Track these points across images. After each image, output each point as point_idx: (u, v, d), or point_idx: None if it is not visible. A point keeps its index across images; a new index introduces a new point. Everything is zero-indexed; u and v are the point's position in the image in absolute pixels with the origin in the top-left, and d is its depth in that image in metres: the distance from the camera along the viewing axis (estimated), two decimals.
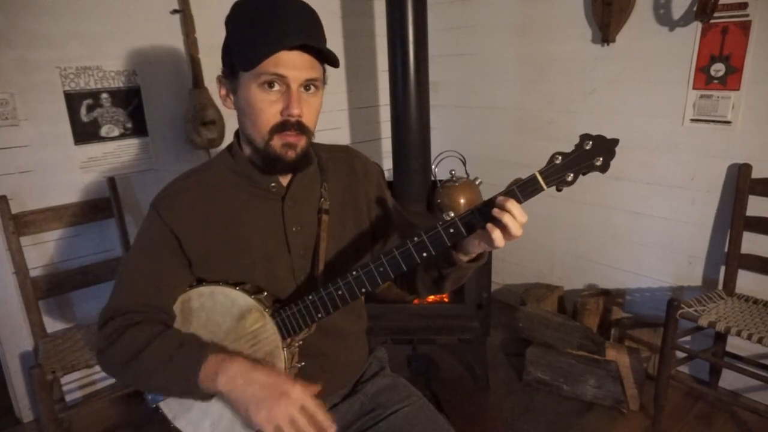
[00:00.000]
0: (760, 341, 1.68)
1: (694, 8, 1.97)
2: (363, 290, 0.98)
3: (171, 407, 1.08)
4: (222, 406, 1.05)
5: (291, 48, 0.91)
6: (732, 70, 1.99)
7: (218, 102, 2.27)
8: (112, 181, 2.15)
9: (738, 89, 1.98)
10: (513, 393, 2.29)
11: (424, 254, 0.92)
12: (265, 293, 1.06)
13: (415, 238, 0.92)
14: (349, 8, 2.86)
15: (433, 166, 2.35)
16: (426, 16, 2.22)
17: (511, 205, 0.84)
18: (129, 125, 2.25)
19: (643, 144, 2.30)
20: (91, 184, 2.18)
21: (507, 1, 2.65)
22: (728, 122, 2.04)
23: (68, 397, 2.22)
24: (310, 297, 1.00)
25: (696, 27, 2.05)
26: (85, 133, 2.14)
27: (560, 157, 0.85)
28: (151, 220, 1.05)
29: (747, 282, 2.07)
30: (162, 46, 2.27)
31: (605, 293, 2.49)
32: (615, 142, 0.85)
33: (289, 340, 1.03)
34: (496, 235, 0.86)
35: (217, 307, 1.03)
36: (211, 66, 2.31)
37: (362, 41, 2.96)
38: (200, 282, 1.07)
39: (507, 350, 2.59)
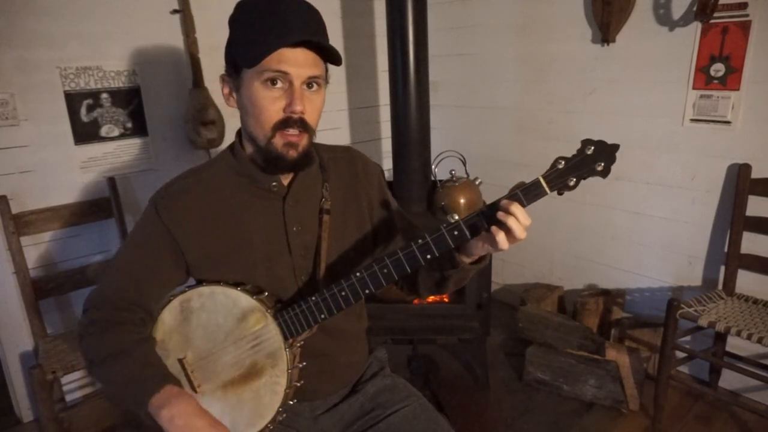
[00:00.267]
0: (760, 341, 1.68)
1: (694, 8, 1.97)
2: (366, 292, 0.98)
3: None
4: (221, 408, 1.05)
5: (294, 45, 0.91)
6: (732, 70, 1.99)
7: (218, 102, 2.27)
8: (112, 181, 2.16)
9: (738, 89, 1.99)
10: (513, 393, 2.29)
11: (428, 256, 0.93)
12: (267, 294, 1.06)
13: (420, 240, 0.92)
14: (349, 8, 2.86)
15: (433, 166, 2.35)
16: (426, 16, 2.22)
17: (516, 208, 0.85)
18: (129, 125, 2.24)
19: (643, 144, 2.30)
20: (91, 184, 2.18)
21: (507, 1, 2.65)
22: (728, 122, 2.04)
23: (68, 397, 2.22)
24: (313, 298, 1.00)
25: (696, 27, 2.05)
26: (85, 133, 2.14)
27: (563, 162, 0.86)
28: (148, 217, 1.06)
29: (747, 282, 2.07)
30: (162, 46, 2.27)
31: (605, 293, 2.49)
32: (616, 147, 0.86)
33: (291, 340, 1.03)
34: (500, 237, 0.86)
35: (218, 308, 1.03)
36: (211, 66, 2.30)
37: (362, 41, 2.96)
38: (200, 282, 1.07)
39: (507, 350, 2.59)
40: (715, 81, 2.04)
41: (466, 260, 0.97)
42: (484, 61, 2.84)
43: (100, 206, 2.15)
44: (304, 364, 1.07)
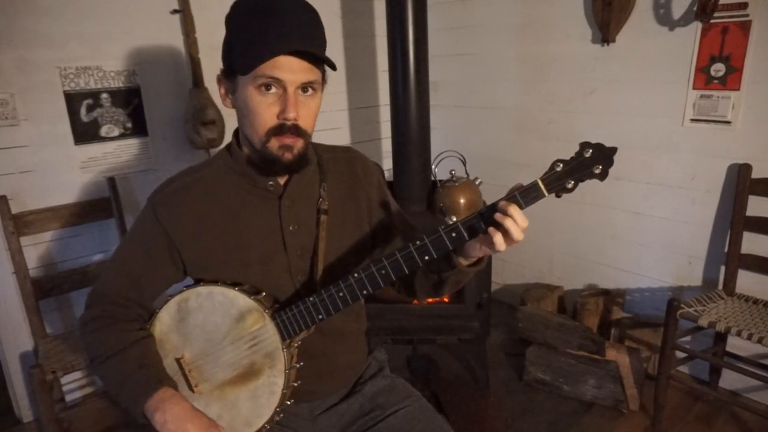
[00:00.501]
0: (760, 341, 1.68)
1: (694, 8, 1.97)
2: (364, 292, 0.98)
3: None
4: (219, 408, 1.05)
5: (288, 53, 0.91)
6: (732, 70, 1.98)
7: (218, 102, 2.26)
8: (112, 181, 2.16)
9: (738, 89, 1.98)
10: (513, 393, 2.29)
11: (426, 257, 0.93)
12: (264, 294, 1.06)
13: (418, 242, 0.92)
14: (349, 8, 2.86)
15: (433, 166, 2.35)
16: (426, 16, 2.22)
17: (513, 209, 0.85)
18: (129, 125, 2.25)
19: (643, 144, 2.30)
20: (91, 184, 2.18)
21: (507, 1, 2.65)
22: (728, 122, 2.04)
23: (68, 397, 2.22)
24: (311, 298, 1.00)
25: (696, 27, 2.05)
26: (85, 133, 2.14)
27: (561, 165, 0.86)
28: (146, 216, 1.07)
29: (747, 282, 2.07)
30: (162, 46, 2.27)
31: (605, 293, 2.49)
32: (613, 150, 0.86)
33: (288, 341, 1.03)
34: (498, 239, 0.87)
35: (215, 308, 1.03)
36: (211, 66, 2.31)
37: (362, 41, 2.96)
38: (198, 282, 1.07)
39: (507, 350, 2.59)
40: (715, 81, 2.03)
41: (464, 262, 0.97)
42: (484, 61, 2.84)
43: (100, 206, 2.15)
44: (302, 364, 1.07)
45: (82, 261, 2.18)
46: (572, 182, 0.86)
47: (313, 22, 0.96)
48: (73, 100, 2.09)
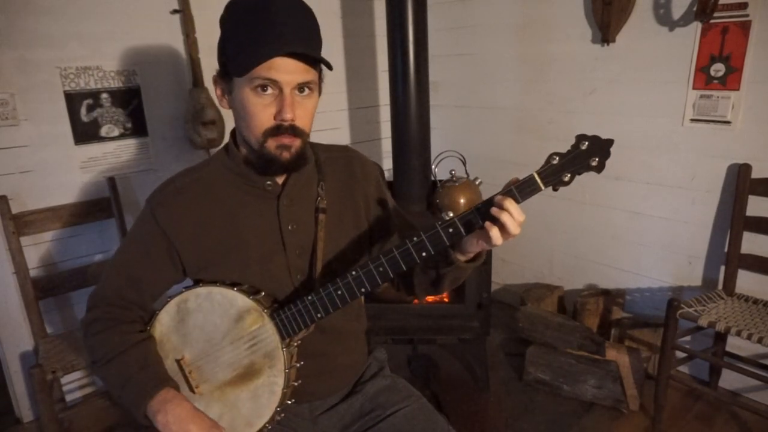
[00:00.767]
0: (760, 341, 1.68)
1: (694, 8, 1.97)
2: (362, 290, 0.98)
3: None
4: (220, 408, 1.05)
5: (283, 55, 0.91)
6: (732, 70, 1.98)
7: (218, 102, 2.27)
8: (112, 181, 2.16)
9: (738, 89, 1.98)
10: (513, 393, 2.28)
11: (424, 254, 0.92)
12: (263, 294, 1.06)
13: (415, 238, 0.92)
14: (349, 8, 2.86)
15: (433, 166, 2.35)
16: (426, 16, 2.22)
17: (509, 204, 0.85)
18: (129, 125, 2.25)
19: (643, 144, 2.30)
20: (91, 184, 2.18)
21: (507, 1, 2.65)
22: (728, 122, 2.04)
23: (68, 397, 2.22)
24: (309, 297, 1.00)
25: (696, 27, 2.05)
26: (85, 133, 2.14)
27: (557, 158, 0.86)
28: (145, 218, 1.07)
29: (747, 282, 2.07)
30: (162, 46, 2.27)
31: (605, 293, 2.49)
32: (610, 142, 0.86)
33: (288, 340, 1.03)
34: (494, 233, 0.86)
35: (214, 308, 1.03)
36: (211, 66, 2.29)
37: (362, 41, 2.96)
38: (197, 283, 1.07)
39: (507, 350, 2.58)
40: (715, 81, 2.03)
41: (462, 258, 0.97)
42: (484, 61, 2.84)
43: (100, 206, 2.15)
44: (302, 363, 1.07)
45: (82, 261, 2.18)
46: (569, 175, 0.86)
47: (308, 22, 0.95)
48: (73, 100, 2.09)
